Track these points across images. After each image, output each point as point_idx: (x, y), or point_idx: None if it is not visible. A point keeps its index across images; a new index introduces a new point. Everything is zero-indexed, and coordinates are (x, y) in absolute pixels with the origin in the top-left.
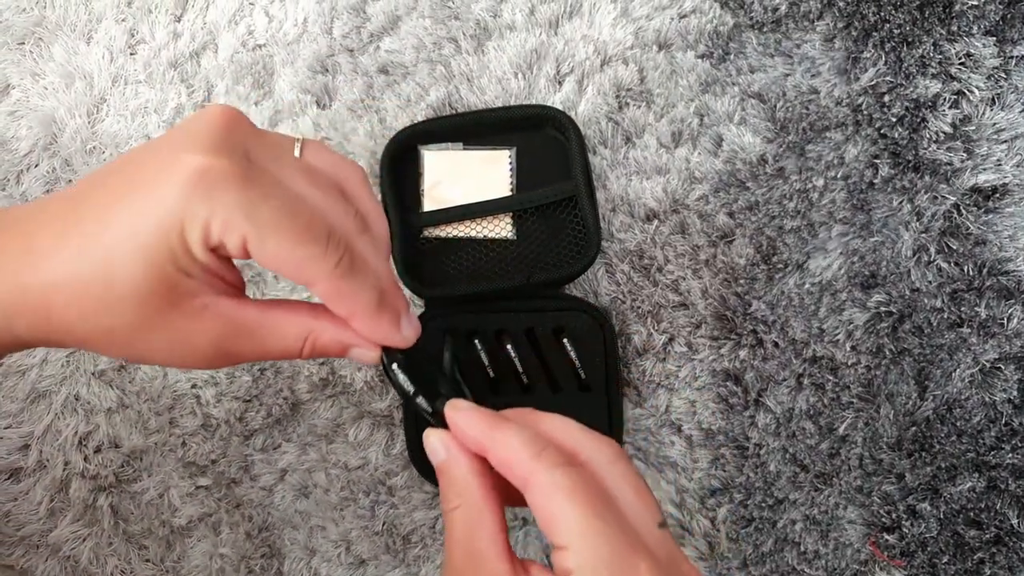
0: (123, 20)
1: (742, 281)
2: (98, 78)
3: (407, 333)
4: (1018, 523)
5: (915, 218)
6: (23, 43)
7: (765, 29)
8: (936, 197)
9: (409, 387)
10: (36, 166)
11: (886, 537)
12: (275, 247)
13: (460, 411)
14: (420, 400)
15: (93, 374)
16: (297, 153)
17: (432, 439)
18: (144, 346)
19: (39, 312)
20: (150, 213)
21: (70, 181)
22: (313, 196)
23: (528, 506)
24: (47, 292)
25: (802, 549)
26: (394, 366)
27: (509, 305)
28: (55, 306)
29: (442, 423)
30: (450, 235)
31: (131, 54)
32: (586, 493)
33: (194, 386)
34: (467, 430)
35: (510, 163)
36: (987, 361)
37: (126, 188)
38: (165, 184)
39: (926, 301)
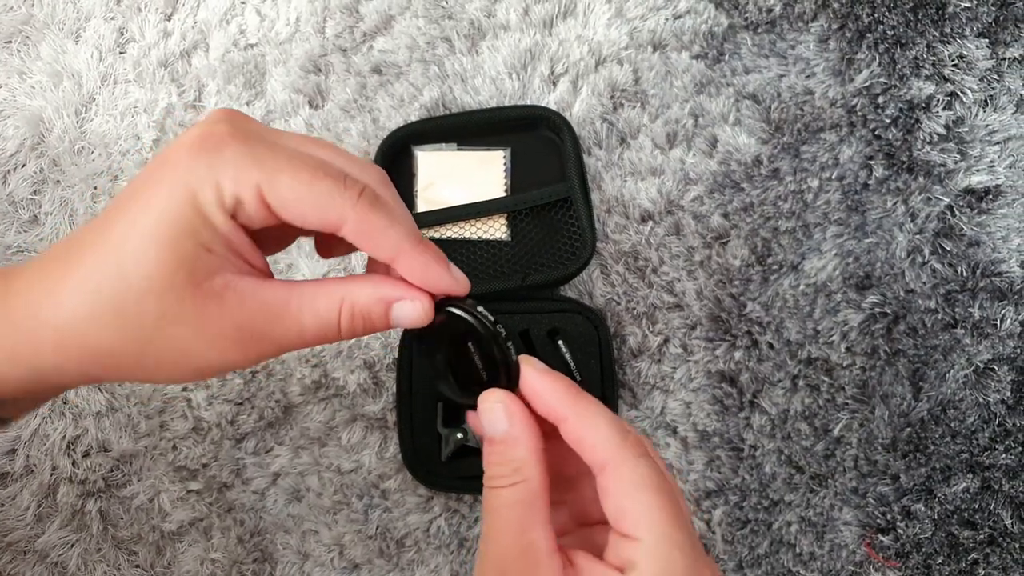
0: (112, 19)
1: (737, 282)
2: (86, 77)
3: (459, 275)
4: (1011, 523)
5: (909, 219)
6: (10, 42)
7: (760, 30)
8: (930, 198)
9: (497, 326)
10: (23, 166)
11: (881, 538)
12: (291, 186)
13: (541, 372)
14: (509, 345)
15: None
16: None
17: (496, 404)
18: (170, 344)
19: (73, 340)
20: (158, 195)
21: (58, 182)
22: (326, 155)
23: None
24: (72, 316)
25: (797, 551)
26: (469, 301)
27: (504, 307)
28: (80, 325)
29: (505, 384)
30: (444, 236)
31: (120, 53)
32: (667, 492)
33: (185, 389)
34: (548, 395)
35: (504, 164)
36: (981, 362)
37: (132, 193)
38: (168, 167)
39: (920, 302)
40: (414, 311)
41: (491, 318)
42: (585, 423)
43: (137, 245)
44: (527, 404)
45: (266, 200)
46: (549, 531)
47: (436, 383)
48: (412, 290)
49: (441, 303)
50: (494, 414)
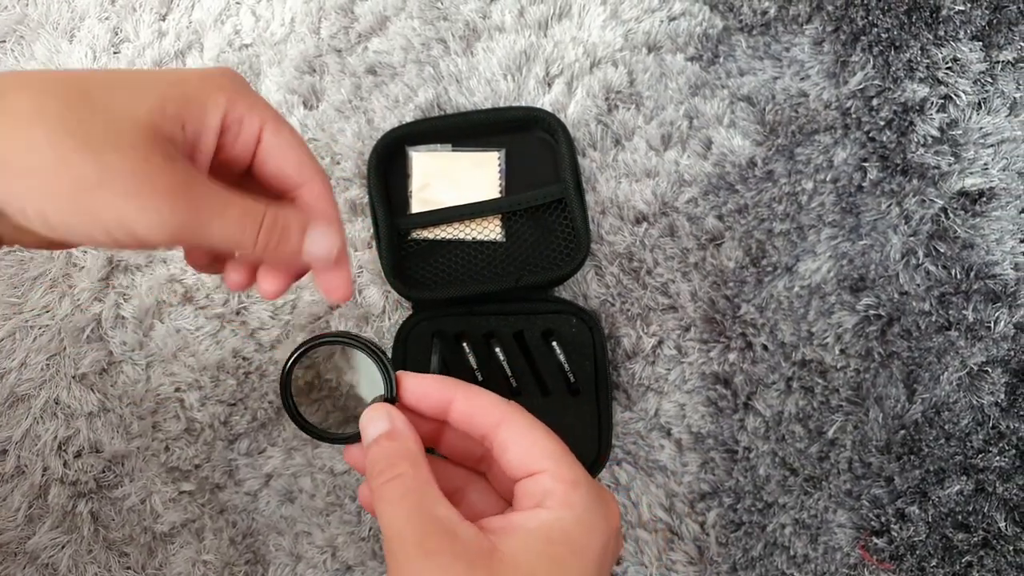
0: (106, 18)
1: (731, 284)
2: None
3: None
4: (1005, 526)
5: (903, 221)
6: (4, 41)
7: (754, 32)
8: (924, 201)
9: (377, 348)
10: None
11: (875, 541)
12: (289, 137)
13: (420, 374)
14: (388, 360)
15: (74, 377)
16: None
17: (376, 409)
18: (105, 172)
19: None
20: (182, 74)
21: None
22: None
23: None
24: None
25: (792, 553)
26: (342, 332)
27: (498, 308)
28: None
29: (389, 396)
30: (439, 237)
31: (115, 53)
32: (553, 432)
33: (178, 390)
34: (433, 384)
35: (499, 165)
36: (974, 364)
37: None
38: (200, 71)
39: (914, 304)
40: (328, 236)
41: (370, 339)
42: (472, 395)
43: (140, 85)
44: (412, 415)
45: (262, 137)
46: (451, 506)
47: (312, 434)
48: (325, 222)
49: (314, 340)
50: (376, 416)
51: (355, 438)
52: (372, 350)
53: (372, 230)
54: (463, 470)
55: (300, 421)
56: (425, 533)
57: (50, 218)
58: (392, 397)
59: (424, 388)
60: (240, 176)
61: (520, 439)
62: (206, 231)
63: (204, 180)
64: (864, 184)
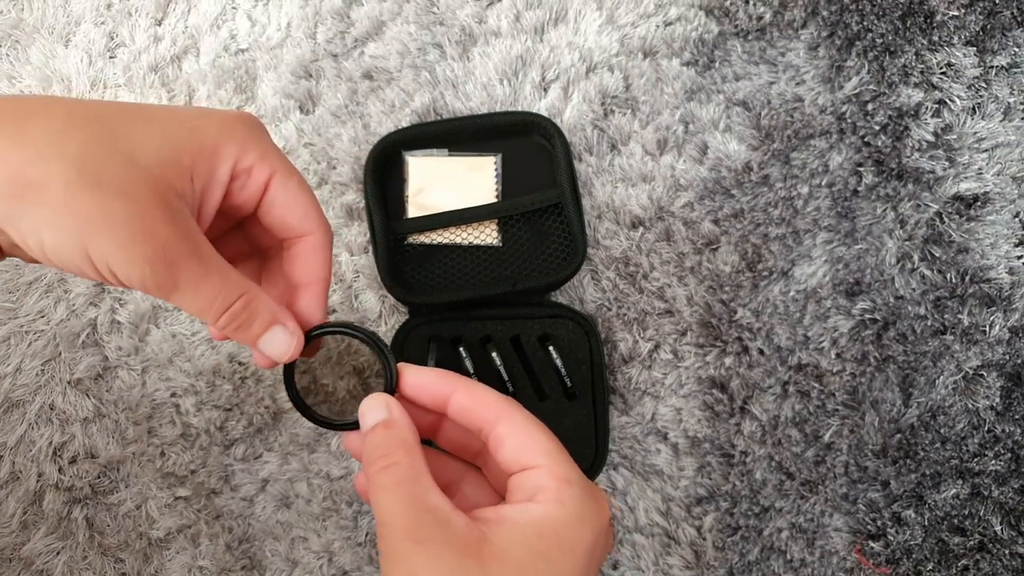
0: (102, 23)
1: (727, 288)
2: (76, 82)
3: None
4: (1001, 530)
5: (899, 226)
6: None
7: (750, 37)
8: (919, 205)
9: (379, 339)
10: None
11: (871, 544)
12: (296, 188)
13: (420, 367)
14: (390, 354)
15: (69, 383)
16: None
17: (376, 398)
18: (102, 214)
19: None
20: (204, 117)
21: None
22: None
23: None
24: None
25: (788, 557)
26: (341, 323)
27: (494, 312)
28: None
29: (389, 388)
30: (435, 242)
31: (110, 57)
32: (550, 431)
33: (173, 395)
34: (433, 378)
35: (495, 170)
36: (970, 368)
37: (171, 110)
38: (217, 115)
39: (910, 308)
40: (285, 339)
41: (373, 331)
42: (472, 390)
43: (159, 129)
44: (411, 406)
45: (270, 187)
46: (443, 494)
47: (315, 420)
48: (294, 323)
49: (317, 329)
50: (374, 405)
51: (355, 425)
52: (374, 342)
53: (368, 235)
54: (459, 463)
55: (303, 408)
56: (417, 521)
57: (46, 246)
58: (392, 388)
59: (424, 381)
60: (245, 217)
61: (517, 434)
62: (177, 297)
63: (193, 243)
64: (859, 188)
